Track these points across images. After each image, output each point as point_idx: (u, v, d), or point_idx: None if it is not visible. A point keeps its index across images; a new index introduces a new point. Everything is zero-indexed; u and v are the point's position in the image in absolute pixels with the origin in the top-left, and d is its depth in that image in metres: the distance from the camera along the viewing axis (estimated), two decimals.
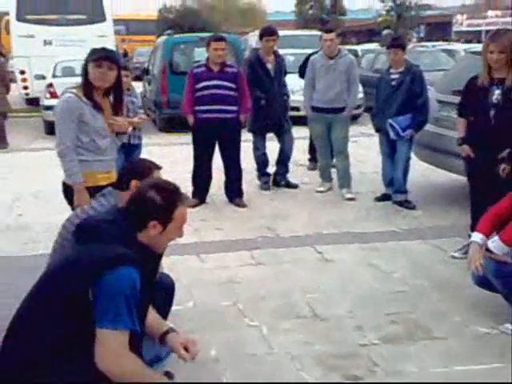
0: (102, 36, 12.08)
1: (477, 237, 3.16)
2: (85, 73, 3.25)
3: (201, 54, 8.23)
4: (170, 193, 2.11)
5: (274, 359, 2.90)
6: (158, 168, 2.77)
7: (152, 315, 2.24)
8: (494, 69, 3.96)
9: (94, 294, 1.86)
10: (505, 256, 3.07)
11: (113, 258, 1.90)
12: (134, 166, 2.90)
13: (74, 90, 3.24)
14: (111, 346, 1.83)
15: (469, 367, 2.82)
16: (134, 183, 2.66)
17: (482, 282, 3.24)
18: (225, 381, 2.71)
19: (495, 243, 3.09)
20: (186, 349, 2.15)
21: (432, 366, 2.83)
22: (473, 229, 4.28)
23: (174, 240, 2.15)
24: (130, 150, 5.05)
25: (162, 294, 2.57)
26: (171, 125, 9.97)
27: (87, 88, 3.23)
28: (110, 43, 11.31)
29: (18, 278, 3.55)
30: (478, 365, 2.84)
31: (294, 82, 6.41)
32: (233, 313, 3.39)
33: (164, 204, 2.06)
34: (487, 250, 3.12)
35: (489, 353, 2.94)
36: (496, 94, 3.97)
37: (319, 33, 7.58)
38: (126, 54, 20.61)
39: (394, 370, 2.79)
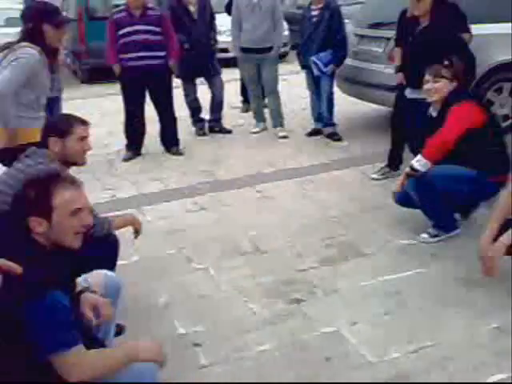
0: None
1: (417, 158, 3.41)
2: (38, 32, 3.18)
3: None
4: (40, 182, 1.87)
5: (223, 296, 3.12)
6: (84, 123, 2.65)
7: None
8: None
9: (21, 322, 1.69)
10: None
11: (28, 290, 1.70)
12: (52, 122, 2.77)
13: (38, 48, 3.17)
14: (71, 364, 1.75)
15: (395, 275, 3.16)
16: (52, 140, 2.57)
17: (402, 199, 3.58)
18: (176, 324, 2.88)
19: (420, 161, 3.38)
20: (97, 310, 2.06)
21: (362, 280, 3.14)
22: (393, 152, 4.65)
23: (82, 227, 1.89)
24: (48, 104, 4.79)
25: (106, 251, 2.61)
26: (95, 75, 9.49)
27: (47, 48, 3.21)
28: None
29: None
30: (403, 272, 3.19)
31: (219, 22, 6.39)
32: (179, 259, 3.57)
33: (34, 196, 1.83)
34: (412, 168, 3.42)
35: (411, 261, 3.30)
36: (420, 26, 4.15)
37: None
38: None
39: (330, 289, 3.09)
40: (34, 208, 1.82)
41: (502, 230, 2.72)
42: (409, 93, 4.31)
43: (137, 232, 2.94)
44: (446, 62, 3.51)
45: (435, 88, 3.47)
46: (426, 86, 3.52)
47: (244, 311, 2.97)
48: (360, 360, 2.52)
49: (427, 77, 3.52)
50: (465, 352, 2.53)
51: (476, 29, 4.55)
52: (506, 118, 5.47)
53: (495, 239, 2.71)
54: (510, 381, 2.35)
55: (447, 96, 3.44)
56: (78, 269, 2.12)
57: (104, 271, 2.37)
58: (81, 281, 2.20)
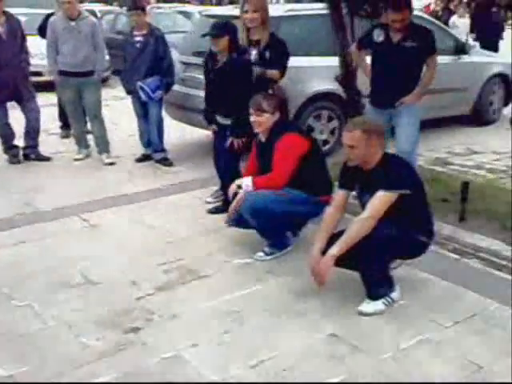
0: None
1: (246, 180, 3.54)
2: None
3: None
4: None
5: (50, 332, 2.86)
6: None
7: None
8: (251, 30, 4.27)
9: None
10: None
11: None
12: None
13: None
14: None
15: (234, 295, 3.16)
16: None
17: (237, 221, 3.63)
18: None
19: (248, 187, 3.50)
20: None
21: (201, 303, 3.09)
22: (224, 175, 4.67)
23: None
24: None
25: None
26: None
27: None
28: None
29: None
30: (241, 291, 3.21)
31: (31, 45, 6.00)
32: None
33: None
34: (239, 186, 3.53)
35: (248, 279, 3.34)
36: (253, 54, 4.31)
37: None
38: None
39: (169, 314, 2.98)
40: None
41: (329, 243, 2.97)
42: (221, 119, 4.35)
43: None
44: (267, 94, 3.66)
45: (258, 121, 3.59)
46: (250, 118, 3.62)
47: (75, 345, 2.75)
48: (202, 380, 2.50)
49: (250, 110, 3.62)
50: (303, 361, 2.62)
51: (296, 61, 4.90)
52: (325, 142, 5.89)
53: (324, 252, 2.94)
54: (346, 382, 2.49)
55: (271, 127, 3.58)
56: None
57: None
58: None
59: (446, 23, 10.96)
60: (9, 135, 5.82)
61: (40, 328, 2.89)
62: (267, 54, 4.30)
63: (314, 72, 5.65)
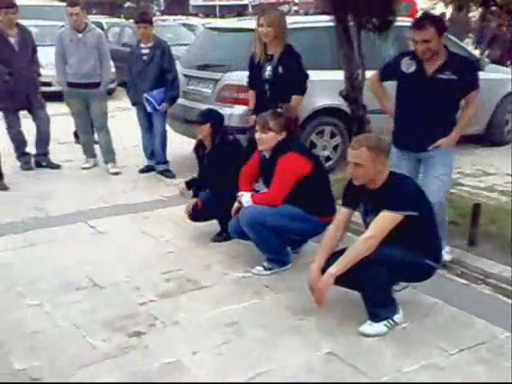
0: None
1: (245, 196, 3.66)
2: None
3: None
4: None
5: (59, 331, 3.03)
6: None
7: None
8: (267, 44, 4.38)
9: None
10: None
11: None
12: None
13: None
14: None
15: (232, 306, 3.32)
16: None
17: (237, 232, 3.78)
18: (11, 360, 2.76)
19: (248, 202, 3.63)
20: None
21: (201, 312, 3.26)
22: None
23: None
24: None
25: None
26: None
27: None
28: None
29: None
30: (239, 303, 3.36)
31: (41, 55, 6.21)
32: (11, 296, 3.39)
33: None
34: (239, 203, 3.69)
35: (246, 292, 3.50)
36: (268, 70, 4.44)
37: (62, 3, 7.41)
38: None
39: (171, 321, 3.16)
40: None
41: (330, 261, 2.97)
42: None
43: None
44: (275, 112, 3.69)
45: (263, 139, 3.63)
46: (255, 135, 3.71)
47: (83, 346, 2.91)
48: None
49: (256, 126, 3.69)
50: (300, 376, 2.67)
51: None
52: (328, 159, 5.88)
53: (323, 271, 2.95)
54: None
55: (275, 146, 3.64)
56: None
57: None
58: None
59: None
60: (21, 142, 6.06)
61: (50, 326, 3.07)
62: (280, 70, 4.42)
63: (317, 86, 5.33)
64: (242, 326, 3.11)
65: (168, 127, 6.10)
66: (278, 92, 4.45)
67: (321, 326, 3.09)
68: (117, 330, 3.05)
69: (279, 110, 3.71)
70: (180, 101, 5.99)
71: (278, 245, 3.73)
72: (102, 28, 12.86)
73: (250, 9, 34.48)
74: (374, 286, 2.90)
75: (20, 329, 3.04)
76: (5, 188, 5.39)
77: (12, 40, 5.73)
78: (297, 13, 12.47)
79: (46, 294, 3.41)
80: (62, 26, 6.47)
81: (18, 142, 6.04)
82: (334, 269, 2.88)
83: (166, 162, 5.99)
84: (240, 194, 3.73)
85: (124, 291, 3.49)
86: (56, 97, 7.14)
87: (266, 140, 3.64)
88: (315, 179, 3.61)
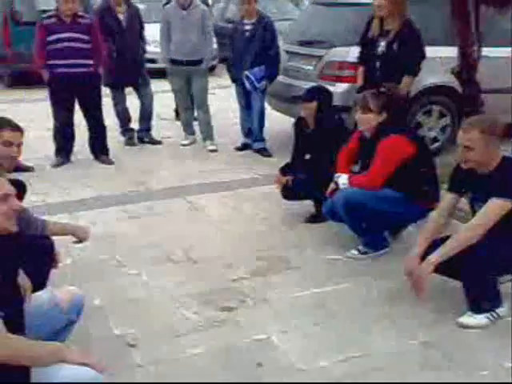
0: None
1: (342, 178, 3.59)
2: None
3: (46, 1, 7.77)
4: None
5: (155, 301, 3.16)
6: (14, 129, 2.62)
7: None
8: (385, 19, 4.24)
9: None
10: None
11: None
12: None
13: None
14: None
15: (323, 289, 3.28)
16: None
17: (331, 213, 3.72)
18: (112, 325, 2.91)
19: (345, 185, 3.55)
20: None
21: (292, 292, 3.25)
22: None
23: (13, 211, 1.99)
24: None
25: (40, 255, 2.60)
26: (21, 80, 9.39)
27: None
28: None
29: None
30: (330, 286, 3.31)
31: (147, 33, 6.39)
32: (112, 264, 3.57)
33: None
34: (336, 184, 3.61)
35: (338, 275, 3.45)
36: (381, 46, 4.31)
37: None
38: None
39: (261, 298, 3.18)
40: None
41: (430, 249, 2.84)
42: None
43: (80, 241, 3.00)
44: (376, 92, 3.57)
45: (362, 119, 3.56)
46: (355, 116, 3.63)
47: (176, 316, 3.01)
48: (290, 366, 2.60)
49: (356, 106, 3.60)
50: (393, 363, 2.59)
51: None
52: (434, 140, 5.62)
53: (423, 258, 2.82)
54: None
55: (376, 127, 3.53)
56: (17, 257, 2.11)
57: (71, 288, 2.40)
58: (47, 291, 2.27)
59: None
60: (126, 118, 6.30)
61: (146, 295, 3.21)
62: (395, 47, 4.24)
63: (426, 63, 4.75)
64: (332, 309, 3.08)
65: (266, 105, 6.08)
66: (390, 70, 4.28)
67: (415, 314, 2.99)
68: (209, 304, 3.12)
69: (382, 89, 3.59)
70: (280, 78, 5.90)
71: (374, 229, 3.63)
72: (208, 4, 12.98)
73: None
74: (477, 276, 2.75)
75: (119, 296, 3.20)
76: (110, 163, 5.65)
77: (121, 16, 5.89)
78: None
79: (144, 265, 3.55)
80: (167, 3, 6.57)
81: (124, 118, 6.28)
82: (435, 256, 2.76)
83: (262, 140, 5.99)
84: (337, 175, 3.65)
85: (216, 267, 3.56)
86: (160, 74, 7.33)
87: (366, 120, 3.55)
88: (418, 162, 3.47)
